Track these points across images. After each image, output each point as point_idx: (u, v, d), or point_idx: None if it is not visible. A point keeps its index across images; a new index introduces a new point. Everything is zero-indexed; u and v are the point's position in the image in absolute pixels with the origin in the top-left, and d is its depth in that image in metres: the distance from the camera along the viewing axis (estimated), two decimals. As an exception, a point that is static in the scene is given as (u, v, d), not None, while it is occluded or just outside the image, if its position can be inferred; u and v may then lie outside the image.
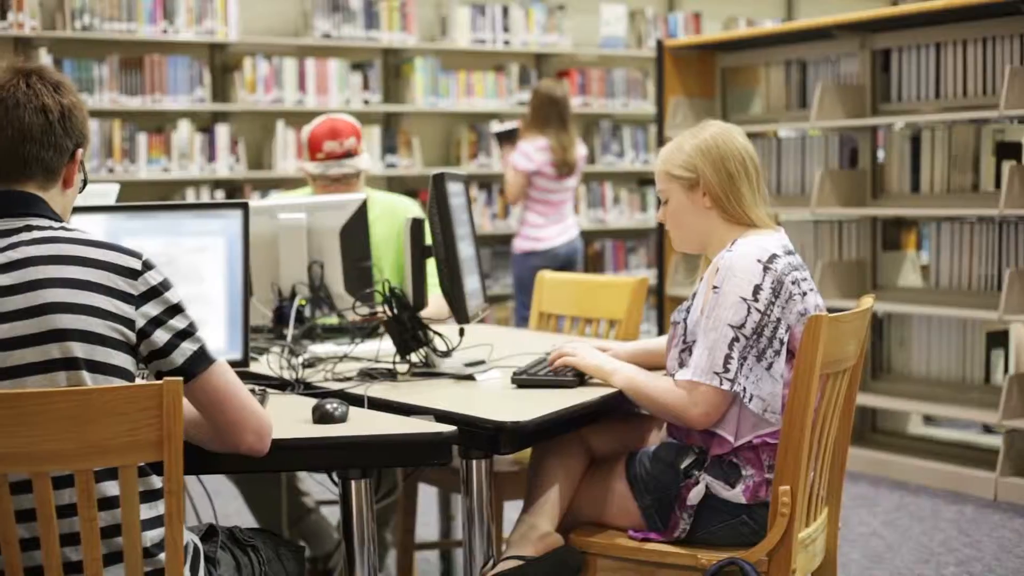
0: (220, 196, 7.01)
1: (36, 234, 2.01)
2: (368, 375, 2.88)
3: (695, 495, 2.59)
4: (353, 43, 7.28)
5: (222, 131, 6.92)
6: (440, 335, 2.97)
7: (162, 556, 1.99)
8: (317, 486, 3.80)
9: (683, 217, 2.73)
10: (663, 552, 2.60)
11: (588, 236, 8.02)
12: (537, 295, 3.95)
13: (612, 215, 8.21)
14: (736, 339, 2.50)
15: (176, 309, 2.04)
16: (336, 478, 2.35)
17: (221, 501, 3.24)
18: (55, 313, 1.94)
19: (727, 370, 2.50)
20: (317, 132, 3.97)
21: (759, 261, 2.55)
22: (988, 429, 5.71)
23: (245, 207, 2.64)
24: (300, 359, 2.98)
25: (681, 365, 2.63)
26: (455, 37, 7.65)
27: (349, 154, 3.94)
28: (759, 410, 2.53)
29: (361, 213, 3.51)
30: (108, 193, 3.33)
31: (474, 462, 2.50)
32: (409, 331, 2.94)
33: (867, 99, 5.76)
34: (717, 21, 8.77)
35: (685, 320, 2.65)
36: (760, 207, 2.68)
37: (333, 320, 3.53)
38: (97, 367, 1.96)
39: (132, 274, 2.01)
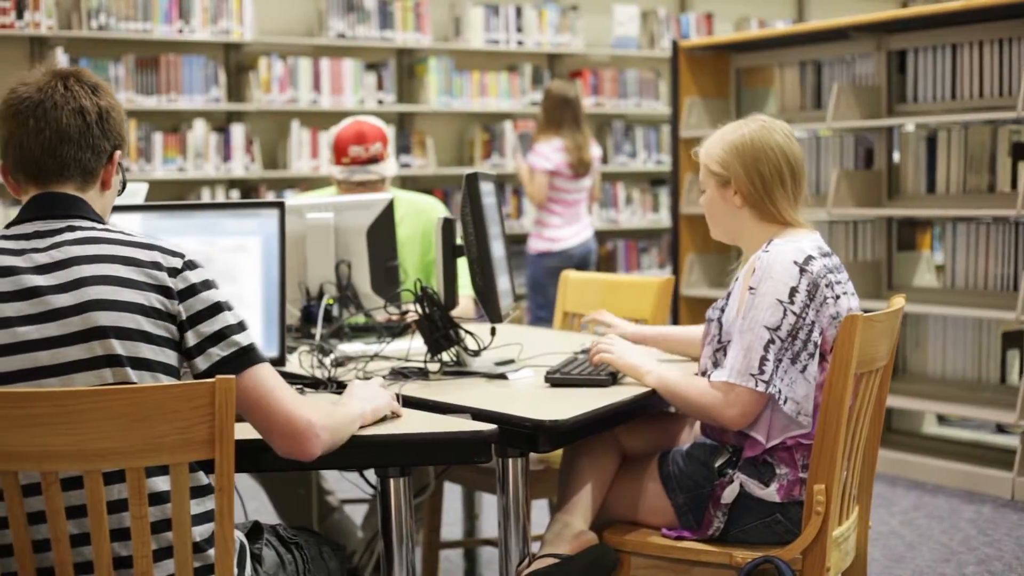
0: (235, 196, 7.03)
1: (79, 234, 2.04)
2: (400, 374, 2.89)
3: (729, 493, 2.60)
4: (367, 43, 7.30)
5: (237, 131, 6.94)
6: (471, 334, 2.99)
7: (210, 552, 2.01)
8: (340, 485, 3.81)
9: (716, 211, 2.75)
10: (697, 550, 2.61)
11: (601, 236, 8.03)
12: (561, 295, 3.96)
13: (624, 215, 8.22)
14: (771, 341, 2.52)
15: (217, 308, 2.05)
16: (366, 477, 2.36)
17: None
18: (98, 311, 1.96)
19: (762, 372, 2.51)
20: (343, 136, 3.99)
21: (795, 263, 2.56)
22: (1001, 429, 5.72)
23: (281, 206, 2.65)
24: (330, 358, 3.00)
25: (715, 364, 2.64)
26: (469, 37, 7.66)
27: (375, 159, 3.96)
28: (793, 412, 2.54)
29: (388, 213, 3.53)
30: (137, 192, 3.35)
31: (510, 460, 2.51)
32: (440, 330, 2.95)
33: (883, 100, 5.77)
34: (729, 21, 8.78)
35: (720, 319, 2.66)
36: (796, 208, 2.68)
37: (359, 319, 3.54)
38: (141, 364, 1.97)
39: (174, 272, 2.02)
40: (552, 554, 2.58)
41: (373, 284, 3.51)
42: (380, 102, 7.32)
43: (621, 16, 8.19)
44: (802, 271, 2.55)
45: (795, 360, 2.53)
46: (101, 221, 2.09)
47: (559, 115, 6.67)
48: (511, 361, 3.03)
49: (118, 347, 1.95)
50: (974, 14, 5.25)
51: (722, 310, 2.67)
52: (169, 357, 2.01)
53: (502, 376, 2.88)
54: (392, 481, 2.34)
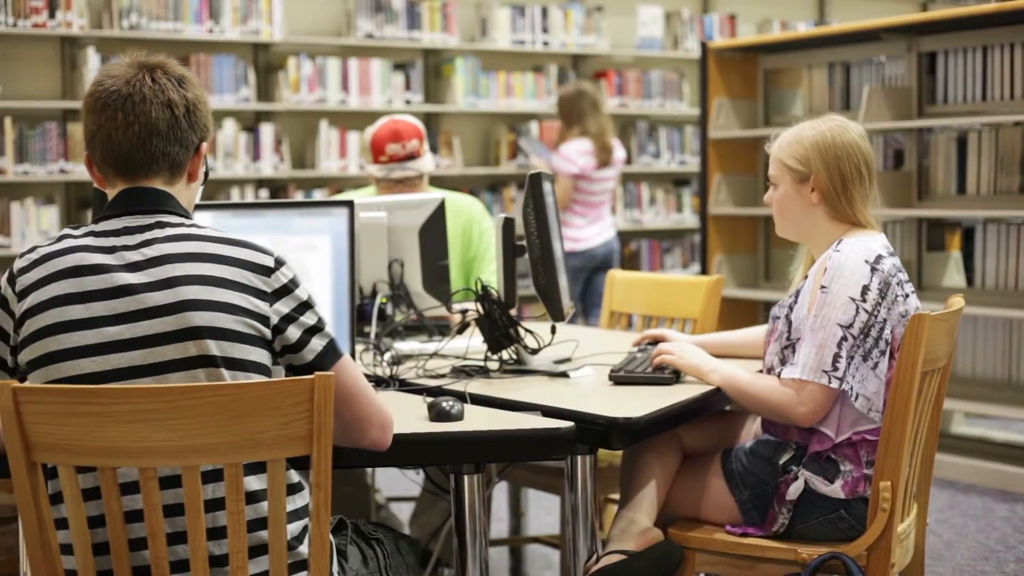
0: (264, 196, 7.06)
1: (169, 231, 2.03)
2: (463, 372, 2.92)
3: (794, 490, 2.63)
4: (395, 43, 7.33)
5: (266, 130, 6.97)
6: (531, 332, 3.02)
7: (301, 549, 2.03)
8: (384, 483, 3.85)
9: (789, 207, 2.76)
10: (762, 546, 2.64)
11: (624, 236, 8.06)
12: (608, 294, 3.99)
13: (648, 215, 8.25)
14: (844, 338, 2.55)
15: (306, 305, 2.07)
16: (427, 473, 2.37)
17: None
18: (192, 311, 1.96)
19: (836, 369, 2.54)
20: (379, 135, 4.02)
21: (866, 262, 2.59)
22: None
23: (351, 205, 2.68)
24: (388, 356, 3.03)
25: (782, 362, 2.67)
26: (495, 38, 7.69)
27: (412, 156, 3.99)
28: (864, 409, 2.57)
29: (440, 212, 3.55)
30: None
31: (579, 458, 2.53)
32: (501, 328, 2.98)
33: (913, 101, 5.80)
34: (751, 23, 8.80)
35: (788, 317, 2.69)
36: (868, 208, 2.71)
37: (404, 317, 3.57)
38: (235, 364, 1.98)
39: (265, 271, 2.03)
40: (619, 551, 2.61)
41: (424, 283, 3.54)
42: (407, 102, 7.34)
43: (645, 17, 8.22)
44: (873, 270, 2.58)
45: (866, 357, 2.57)
46: (188, 216, 2.10)
47: (578, 108, 6.68)
48: (568, 359, 3.06)
49: (213, 347, 1.96)
50: (1005, 16, 5.28)
51: (790, 308, 2.70)
52: (261, 356, 2.02)
53: (563, 374, 2.91)
54: (466, 478, 2.36)
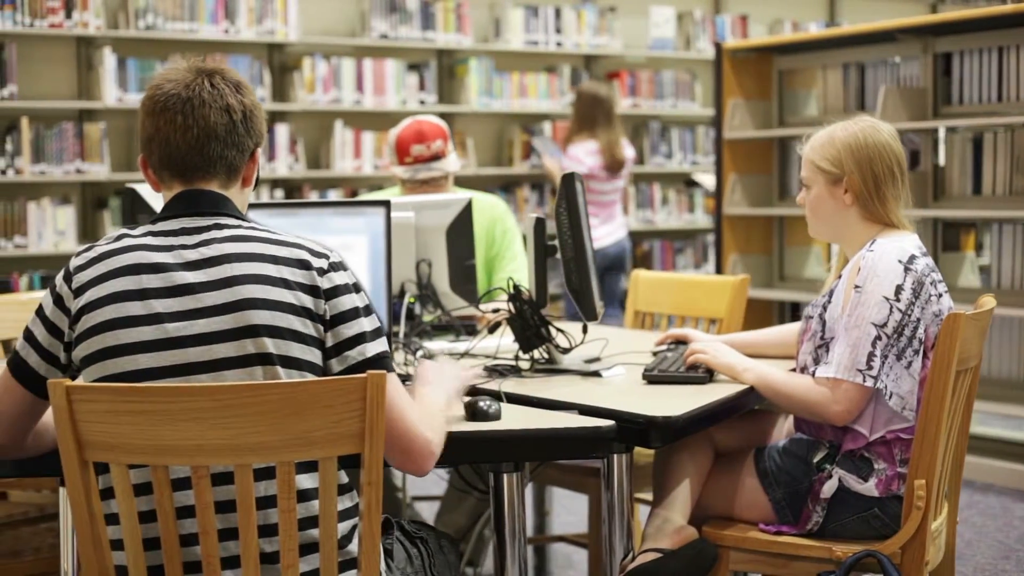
0: (279, 196, 7.08)
1: (227, 232, 2.06)
2: (496, 371, 2.94)
3: (828, 488, 2.64)
4: (409, 44, 7.35)
5: (281, 131, 6.99)
6: (562, 331, 3.03)
7: (350, 548, 2.04)
8: (411, 481, 3.86)
9: (822, 208, 2.78)
10: (797, 544, 2.66)
11: (636, 236, 8.09)
12: (632, 294, 4.00)
13: (660, 216, 8.27)
14: (879, 337, 2.56)
15: (356, 312, 2.06)
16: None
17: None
18: (250, 309, 1.98)
19: (870, 367, 2.56)
20: (404, 136, 4.03)
21: (900, 262, 2.60)
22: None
23: (388, 205, 2.70)
24: (419, 355, 3.05)
25: (816, 361, 2.69)
26: (509, 38, 7.71)
27: (436, 157, 4.01)
28: (898, 407, 2.58)
29: (467, 212, 3.57)
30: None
31: (615, 456, 2.55)
32: (532, 328, 2.99)
33: (928, 102, 5.81)
34: (763, 23, 8.83)
35: (821, 316, 2.70)
36: (901, 208, 2.73)
37: (434, 317, 3.58)
38: (291, 362, 2.00)
39: (321, 272, 2.04)
40: (655, 548, 2.63)
41: (451, 283, 3.55)
42: (422, 102, 7.36)
43: (657, 18, 8.24)
44: (907, 269, 2.60)
45: (900, 356, 2.58)
46: (244, 218, 2.12)
47: (591, 114, 6.74)
48: (598, 359, 3.08)
49: (270, 346, 1.98)
50: (1021, 17, 5.29)
51: (823, 307, 2.71)
52: (315, 356, 2.03)
53: (596, 373, 2.92)
54: (506, 476, 2.38)
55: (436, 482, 4.26)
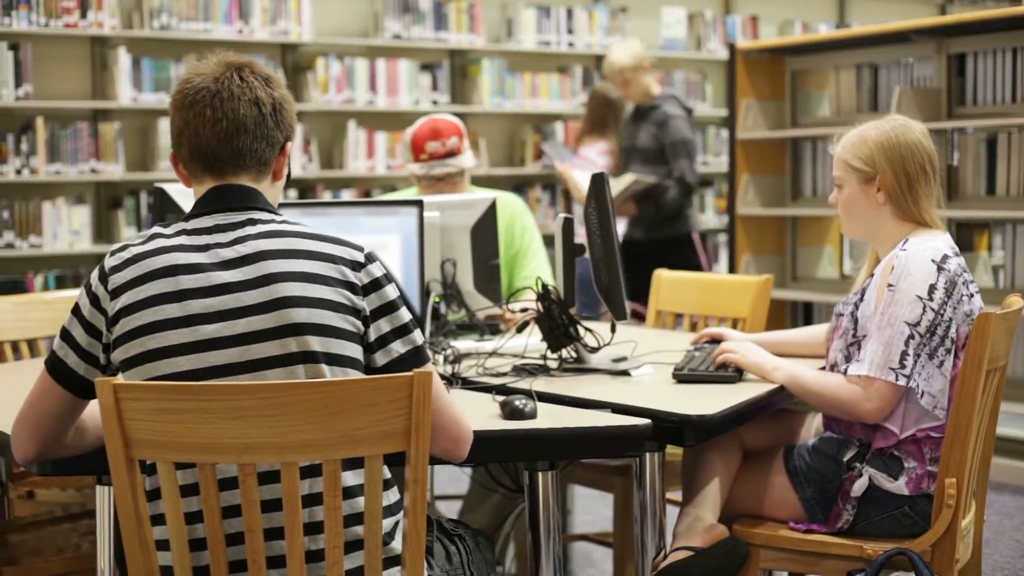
0: (292, 196, 7.09)
1: (261, 228, 2.06)
2: (525, 370, 2.95)
3: (859, 487, 2.66)
4: (422, 44, 7.37)
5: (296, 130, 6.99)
6: (590, 331, 3.04)
7: (393, 545, 2.05)
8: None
9: (855, 207, 2.79)
10: (827, 543, 2.67)
11: (647, 236, 8.09)
12: (654, 293, 4.01)
13: (672, 215, 8.27)
14: (911, 336, 2.58)
15: (394, 305, 2.08)
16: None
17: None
18: (291, 307, 1.98)
19: (903, 366, 2.57)
20: (419, 133, 4.05)
21: (933, 261, 2.62)
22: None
23: (420, 204, 2.71)
24: (447, 354, 3.06)
25: (848, 359, 2.70)
26: (521, 39, 7.73)
27: (451, 153, 4.02)
28: (929, 406, 2.60)
29: (491, 212, 3.58)
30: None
31: (647, 455, 2.56)
32: (561, 327, 3.01)
33: (943, 103, 5.82)
34: (773, 24, 8.84)
35: (853, 314, 2.72)
36: (933, 207, 2.74)
37: (460, 316, 3.60)
38: (334, 359, 2.00)
39: (357, 266, 2.05)
40: (687, 547, 2.64)
41: (476, 282, 3.57)
42: (434, 103, 7.38)
43: (668, 18, 8.25)
44: (940, 269, 2.62)
45: (932, 355, 2.60)
46: (277, 213, 2.13)
47: (602, 115, 6.76)
48: (625, 358, 3.09)
49: (314, 343, 1.98)
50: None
51: (855, 306, 2.73)
52: (356, 352, 2.03)
53: (625, 372, 2.93)
54: (541, 475, 2.40)
55: (453, 480, 4.28)
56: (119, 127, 6.57)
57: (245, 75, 2.09)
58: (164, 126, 6.68)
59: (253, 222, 2.07)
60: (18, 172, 6.30)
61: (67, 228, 6.46)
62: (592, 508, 4.78)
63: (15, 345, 3.63)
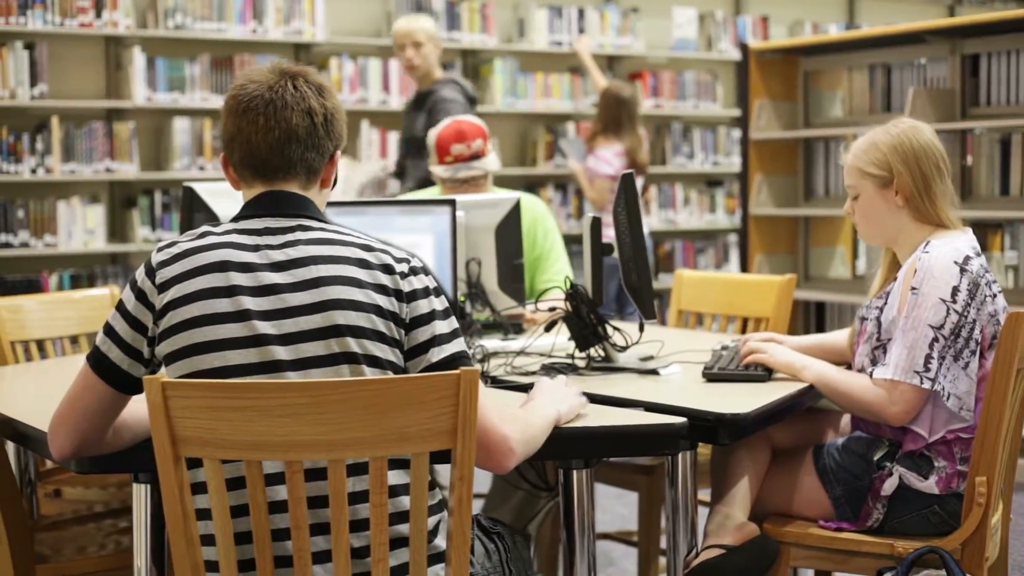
0: (306, 194, 7.09)
1: (311, 234, 2.09)
2: (554, 369, 2.97)
3: (889, 486, 2.67)
4: (435, 44, 7.38)
5: (308, 130, 7.00)
6: (618, 330, 3.06)
7: (437, 542, 2.08)
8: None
9: (873, 213, 2.80)
10: (858, 541, 2.69)
11: (658, 236, 8.12)
12: (676, 293, 4.02)
13: (682, 216, 8.30)
14: (936, 339, 2.59)
15: (433, 316, 2.10)
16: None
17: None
18: (336, 310, 2.01)
19: (928, 369, 2.59)
20: (444, 135, 4.06)
21: (955, 263, 2.63)
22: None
23: (453, 204, 2.73)
24: (476, 353, 3.08)
25: (873, 362, 2.72)
26: (533, 39, 7.75)
27: (476, 156, 4.03)
28: (956, 408, 2.62)
29: (515, 212, 3.60)
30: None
31: (679, 453, 2.58)
32: (589, 326, 3.02)
33: (957, 103, 5.84)
34: (783, 24, 8.86)
35: (877, 318, 2.73)
36: (950, 207, 2.76)
37: (485, 315, 3.61)
38: (374, 361, 2.03)
39: (402, 276, 2.08)
40: (718, 545, 2.66)
41: (500, 281, 3.59)
42: (447, 102, 7.39)
43: (680, 18, 8.27)
44: (962, 271, 2.63)
45: (957, 357, 2.61)
46: (326, 220, 2.15)
47: (616, 116, 6.78)
48: (652, 357, 3.11)
49: (354, 345, 2.01)
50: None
51: (879, 309, 2.74)
52: (397, 356, 2.06)
53: (654, 371, 2.95)
54: (575, 473, 2.41)
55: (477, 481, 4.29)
56: (134, 126, 6.59)
57: (299, 84, 2.12)
58: (179, 125, 6.69)
59: (304, 228, 2.11)
60: (33, 171, 6.32)
61: (82, 227, 6.48)
62: (609, 507, 4.80)
63: (40, 344, 3.64)
